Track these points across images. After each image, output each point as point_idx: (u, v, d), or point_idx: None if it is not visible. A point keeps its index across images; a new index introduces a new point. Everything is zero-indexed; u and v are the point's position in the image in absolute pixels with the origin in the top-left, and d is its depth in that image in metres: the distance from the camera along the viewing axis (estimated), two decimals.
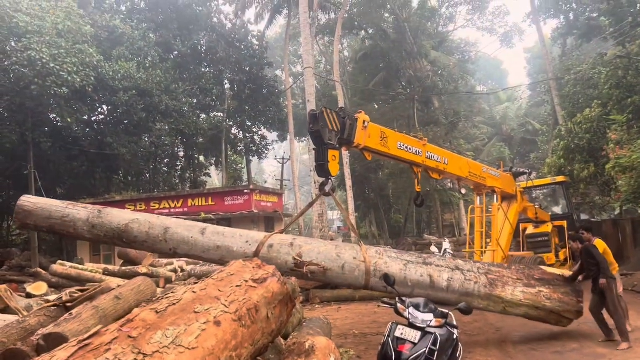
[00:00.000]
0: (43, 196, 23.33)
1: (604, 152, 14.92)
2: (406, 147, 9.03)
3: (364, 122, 8.03)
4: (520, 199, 13.17)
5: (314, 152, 7.83)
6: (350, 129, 7.78)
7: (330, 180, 7.76)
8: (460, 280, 7.02)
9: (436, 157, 9.82)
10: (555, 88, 26.46)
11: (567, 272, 7.61)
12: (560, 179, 15.56)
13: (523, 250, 14.27)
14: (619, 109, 15.33)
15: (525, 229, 14.54)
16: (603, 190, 18.97)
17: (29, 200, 7.52)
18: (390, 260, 7.16)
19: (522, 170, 13.70)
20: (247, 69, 30.28)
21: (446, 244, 20.88)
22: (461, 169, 10.76)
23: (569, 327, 9.36)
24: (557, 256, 13.94)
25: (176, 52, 29.11)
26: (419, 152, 9.31)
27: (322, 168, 7.44)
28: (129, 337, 2.45)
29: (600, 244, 8.00)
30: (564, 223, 14.57)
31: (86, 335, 2.39)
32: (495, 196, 12.73)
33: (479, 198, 12.69)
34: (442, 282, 7.03)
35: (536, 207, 14.10)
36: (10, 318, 4.80)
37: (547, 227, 14.20)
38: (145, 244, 7.52)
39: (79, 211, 7.42)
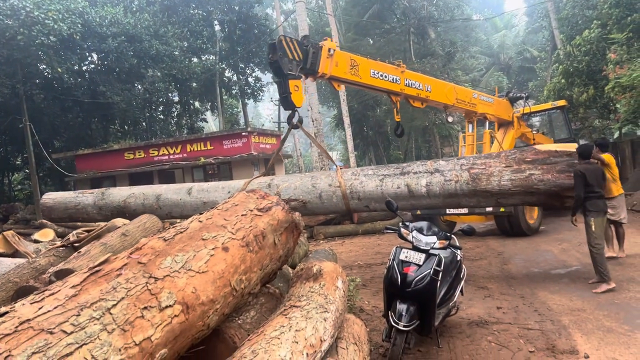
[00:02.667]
0: (41, 150, 23.39)
1: (604, 73, 14.69)
2: (381, 75, 8.72)
3: (330, 49, 7.71)
4: (517, 125, 12.87)
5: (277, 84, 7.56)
6: (313, 58, 7.52)
7: (296, 112, 7.56)
8: (439, 183, 6.72)
9: (417, 84, 9.49)
10: (553, 11, 25.83)
11: (568, 146, 6.86)
12: (561, 103, 15.27)
13: None
14: (618, 28, 14.99)
15: None
16: (602, 113, 18.86)
17: (49, 197, 8.37)
18: (366, 179, 7.03)
19: (518, 94, 13.31)
20: (237, 8, 29.41)
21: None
22: (447, 96, 10.41)
23: (570, 247, 9.57)
24: None
25: None
26: (396, 80, 8.99)
27: (285, 100, 7.26)
28: (139, 263, 2.48)
29: (609, 158, 7.72)
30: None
31: (96, 263, 2.42)
32: (487, 122, 12.36)
33: (470, 125, 12.33)
34: (421, 189, 6.80)
35: (536, 133, 13.78)
36: (20, 261, 4.87)
37: None
38: (143, 214, 7.97)
39: (87, 197, 8.15)
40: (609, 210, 7.37)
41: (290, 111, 7.39)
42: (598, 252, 6.59)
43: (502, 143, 12.38)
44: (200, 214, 3.44)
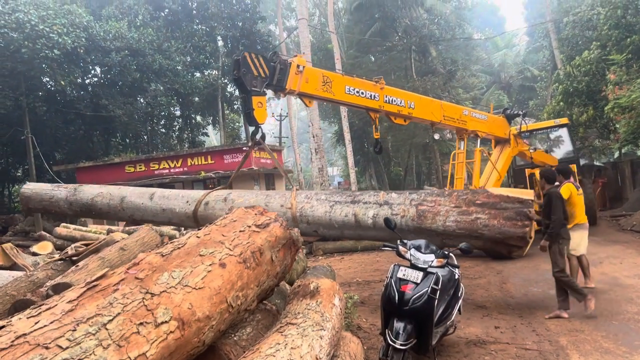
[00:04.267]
0: (42, 162, 23.44)
1: (603, 93, 14.78)
2: (357, 92, 8.59)
3: (299, 66, 7.66)
4: (513, 143, 12.53)
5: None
6: (281, 74, 7.48)
7: (259, 129, 7.54)
8: (386, 216, 6.42)
9: (398, 100, 9.30)
10: (553, 31, 26.07)
11: (522, 192, 6.62)
12: (564, 121, 14.99)
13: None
14: (618, 50, 15.14)
15: (531, 174, 13.52)
16: (602, 133, 18.94)
17: (28, 187, 8.59)
18: (317, 204, 6.96)
19: (516, 112, 12.89)
20: (240, 24, 29.68)
21: None
22: (433, 113, 10.16)
23: (587, 251, 9.53)
24: None
25: (167, 10, 28.51)
26: (374, 97, 8.84)
27: (249, 116, 7.25)
28: (136, 278, 2.49)
29: (566, 190, 7.23)
30: (574, 166, 13.21)
31: (93, 278, 2.43)
32: (478, 140, 12.09)
33: (462, 142, 12.02)
34: (368, 220, 6.69)
35: (534, 151, 13.34)
36: (18, 274, 4.87)
37: None
38: (109, 215, 8.53)
39: (61, 191, 8.31)
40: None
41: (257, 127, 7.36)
42: (566, 276, 6.43)
43: (498, 161, 12.14)
44: (199, 229, 3.46)
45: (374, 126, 9.43)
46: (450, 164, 12.41)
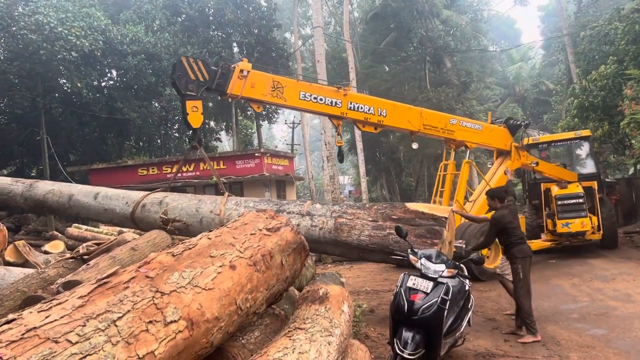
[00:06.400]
0: (57, 163, 23.66)
1: (619, 108, 14.62)
2: (315, 98, 8.44)
3: (242, 70, 7.68)
4: (515, 156, 11.60)
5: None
6: (223, 78, 7.53)
7: (195, 133, 7.61)
8: (306, 227, 6.47)
9: (365, 108, 9.02)
10: (570, 45, 25.95)
11: (438, 209, 6.41)
12: (586, 133, 13.87)
13: (547, 213, 12.61)
14: (635, 65, 15.01)
15: (547, 189, 12.87)
16: (617, 148, 18.77)
17: None
18: (245, 211, 6.79)
19: (518, 122, 11.96)
20: (256, 31, 29.84)
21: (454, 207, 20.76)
22: (410, 122, 9.76)
23: (581, 282, 9.43)
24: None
25: (184, 15, 28.73)
26: (336, 103, 8.65)
27: (185, 120, 7.36)
28: (147, 277, 2.49)
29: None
30: (594, 184, 12.79)
31: (104, 275, 2.44)
32: (467, 151, 11.33)
33: (453, 153, 11.31)
34: None
35: (535, 164, 12.22)
36: (29, 271, 4.91)
37: (578, 188, 12.29)
38: (58, 211, 8.71)
39: (18, 186, 8.52)
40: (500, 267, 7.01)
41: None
42: (526, 303, 6.20)
43: (494, 174, 11.48)
44: (210, 231, 3.46)
45: (337, 134, 9.20)
46: (438, 174, 11.65)
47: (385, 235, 6.05)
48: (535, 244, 11.59)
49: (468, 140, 10.78)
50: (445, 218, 6.10)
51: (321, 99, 8.56)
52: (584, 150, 14.30)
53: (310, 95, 8.44)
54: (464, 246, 8.11)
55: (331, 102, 8.65)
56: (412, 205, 6.49)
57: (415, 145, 10.94)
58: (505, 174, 11.20)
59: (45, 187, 8.45)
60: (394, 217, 6.19)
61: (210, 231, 3.43)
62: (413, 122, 9.82)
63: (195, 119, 7.33)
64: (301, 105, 8.54)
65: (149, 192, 7.80)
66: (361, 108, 9.00)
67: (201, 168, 23.99)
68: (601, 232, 12.25)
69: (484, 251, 9.22)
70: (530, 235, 12.91)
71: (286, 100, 8.25)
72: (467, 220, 9.73)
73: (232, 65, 7.78)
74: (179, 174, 23.84)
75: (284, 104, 8.51)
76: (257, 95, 8.00)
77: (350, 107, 8.84)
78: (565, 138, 14.16)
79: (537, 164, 12.03)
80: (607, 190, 14.13)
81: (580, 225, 11.79)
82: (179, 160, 24.83)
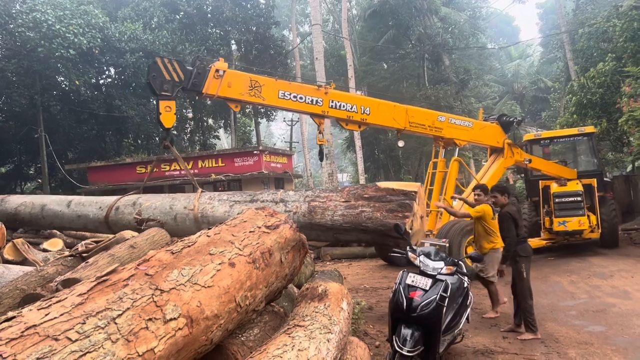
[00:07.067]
0: (55, 161, 23.63)
1: (617, 106, 14.62)
2: (294, 97, 8.43)
3: (218, 70, 7.73)
4: (508, 153, 11.36)
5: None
6: (199, 78, 7.61)
7: (167, 132, 7.67)
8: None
9: (347, 106, 8.98)
10: (568, 43, 25.96)
11: (407, 185, 6.47)
12: (589, 129, 13.58)
13: (546, 210, 12.43)
14: (633, 62, 15.01)
15: (546, 187, 12.66)
16: (615, 146, 18.77)
17: None
18: (218, 204, 6.99)
19: (510, 119, 11.69)
20: (254, 28, 29.79)
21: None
22: (395, 119, 9.69)
23: (579, 279, 9.46)
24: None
25: (182, 13, 28.66)
26: (317, 102, 8.63)
27: (158, 120, 7.48)
28: (146, 274, 2.49)
29: (483, 210, 6.95)
30: (593, 181, 12.60)
31: (104, 272, 2.44)
32: (457, 149, 11.12)
33: (443, 150, 11.16)
34: None
35: (528, 162, 11.90)
36: (28, 269, 4.91)
37: (577, 186, 12.09)
38: (31, 223, 8.86)
39: None
40: (479, 266, 6.97)
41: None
42: (528, 302, 6.20)
43: (487, 172, 11.32)
44: (209, 228, 3.46)
45: (318, 132, 9.13)
46: (428, 172, 11.49)
47: (357, 214, 6.15)
48: (531, 243, 11.40)
49: (457, 138, 10.66)
50: (415, 192, 6.20)
51: (301, 98, 8.54)
52: (585, 147, 14.12)
53: (290, 94, 8.44)
54: (447, 245, 8.17)
55: (312, 101, 8.63)
56: (382, 184, 6.66)
57: (401, 143, 10.83)
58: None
59: (17, 200, 8.52)
60: (366, 196, 6.31)
61: (202, 230, 3.43)
62: (398, 119, 9.76)
63: (168, 118, 7.44)
64: (280, 104, 8.54)
65: (122, 195, 7.87)
66: (343, 106, 8.96)
67: (199, 166, 23.99)
68: (600, 231, 12.08)
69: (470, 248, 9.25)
70: (529, 233, 12.90)
71: (264, 99, 8.26)
72: (452, 218, 9.78)
73: (209, 65, 7.84)
74: (190, 171, 23.84)
75: (262, 103, 8.52)
76: (234, 95, 8.04)
77: (332, 105, 8.82)
78: (568, 134, 13.97)
79: (529, 161, 11.82)
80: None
81: (578, 223, 11.63)
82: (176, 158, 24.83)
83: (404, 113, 9.89)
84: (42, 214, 8.10)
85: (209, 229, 3.43)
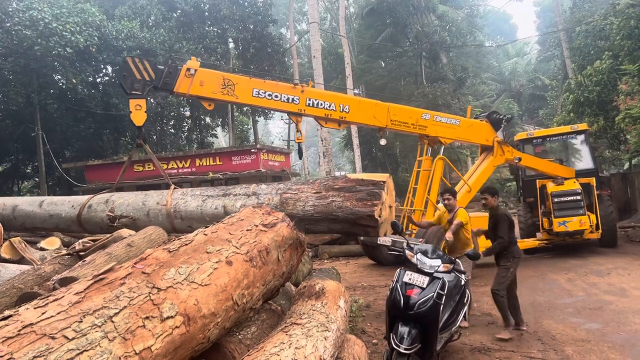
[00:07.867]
0: (52, 159, 23.60)
1: (614, 103, 14.65)
2: (269, 95, 8.40)
3: (189, 69, 7.79)
4: (498, 151, 11.08)
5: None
6: (169, 77, 7.69)
7: (139, 130, 7.77)
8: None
9: (325, 104, 8.91)
10: (565, 41, 26.00)
11: (376, 176, 6.50)
12: (583, 127, 13.30)
13: (543, 211, 12.22)
14: (630, 60, 15.06)
15: (542, 186, 12.40)
16: (612, 144, 18.83)
17: None
18: (191, 199, 6.99)
19: (500, 116, 11.34)
20: (251, 26, 29.76)
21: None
22: (376, 117, 9.57)
23: (576, 277, 9.48)
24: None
25: (179, 11, 28.63)
26: (293, 100, 8.59)
27: (130, 118, 7.58)
28: (143, 273, 2.49)
29: (462, 214, 6.84)
30: (592, 180, 12.26)
31: (101, 271, 2.44)
32: (442, 148, 10.80)
33: (429, 149, 10.88)
34: (236, 210, 6.53)
35: (517, 160, 11.51)
36: (25, 268, 4.90)
37: (575, 184, 11.78)
38: (2, 225, 8.34)
39: None
40: None
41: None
42: (504, 297, 6.14)
43: (475, 171, 11.16)
44: (206, 227, 3.46)
45: (296, 131, 9.14)
46: (414, 171, 11.25)
47: (328, 204, 6.21)
48: (524, 244, 11.35)
49: (442, 136, 10.48)
50: (384, 182, 6.25)
51: (276, 96, 8.49)
52: (581, 145, 13.58)
53: (265, 93, 8.40)
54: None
55: (287, 99, 8.58)
56: (352, 175, 6.74)
57: (383, 142, 10.66)
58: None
59: None
60: (336, 187, 6.37)
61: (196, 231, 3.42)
62: (379, 117, 9.66)
63: (139, 116, 7.54)
64: (255, 103, 8.51)
65: (95, 194, 7.85)
66: (321, 104, 8.90)
67: (197, 164, 23.97)
68: (600, 230, 11.79)
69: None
70: (524, 235, 12.82)
71: (238, 97, 8.26)
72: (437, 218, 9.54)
73: (181, 65, 7.92)
74: (187, 169, 23.82)
75: (236, 102, 8.55)
76: (207, 93, 8.07)
77: (309, 103, 8.75)
78: (561, 132, 13.76)
79: (519, 159, 11.51)
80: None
81: (579, 223, 11.32)
82: (176, 156, 24.83)
83: (386, 111, 9.78)
84: (13, 214, 8.05)
85: (206, 227, 3.43)
